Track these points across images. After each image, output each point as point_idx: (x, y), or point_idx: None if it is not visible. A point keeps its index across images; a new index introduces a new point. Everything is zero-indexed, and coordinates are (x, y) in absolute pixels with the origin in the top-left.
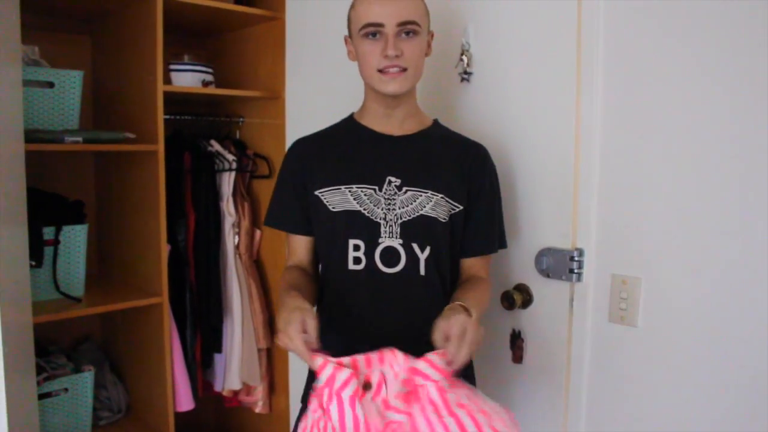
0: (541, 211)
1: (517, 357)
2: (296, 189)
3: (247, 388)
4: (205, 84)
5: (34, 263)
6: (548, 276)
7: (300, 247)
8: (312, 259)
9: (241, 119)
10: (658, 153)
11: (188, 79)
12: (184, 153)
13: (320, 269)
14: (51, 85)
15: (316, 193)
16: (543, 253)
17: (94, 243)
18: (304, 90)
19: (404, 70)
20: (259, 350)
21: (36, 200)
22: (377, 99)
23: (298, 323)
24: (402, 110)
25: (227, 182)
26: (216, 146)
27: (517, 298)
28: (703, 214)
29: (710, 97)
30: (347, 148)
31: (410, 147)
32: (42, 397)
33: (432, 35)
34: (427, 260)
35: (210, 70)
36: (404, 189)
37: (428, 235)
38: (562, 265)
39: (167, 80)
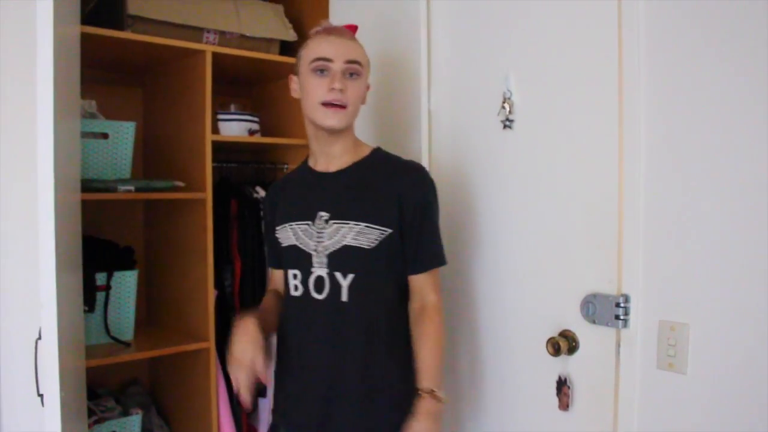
0: (586, 256)
1: (564, 404)
2: (269, 228)
3: None
4: (251, 132)
5: (86, 308)
6: (594, 322)
7: (277, 277)
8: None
9: (286, 166)
10: (705, 196)
11: (235, 128)
12: (230, 200)
13: None
14: (105, 136)
15: (276, 229)
16: (588, 299)
17: (142, 288)
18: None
19: (344, 107)
20: None
21: (89, 247)
22: (317, 137)
23: (249, 359)
24: (338, 147)
25: None
26: (261, 193)
27: (563, 344)
28: (753, 257)
29: (761, 134)
30: (296, 189)
31: (342, 181)
32: None
33: (368, 87)
34: (350, 287)
35: (256, 118)
36: (331, 222)
37: (352, 264)
38: (608, 311)
39: (215, 129)
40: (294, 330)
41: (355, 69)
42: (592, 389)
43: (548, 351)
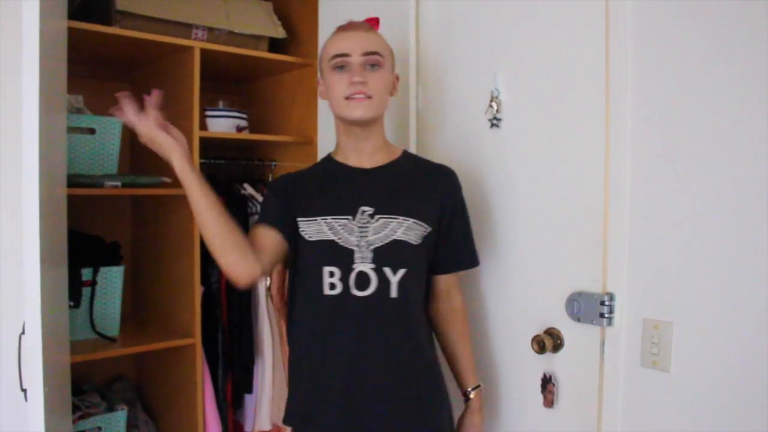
0: (572, 255)
1: (549, 401)
2: (282, 201)
3: (277, 429)
4: (239, 129)
5: (72, 304)
6: (579, 320)
7: (262, 234)
8: (263, 249)
9: (274, 163)
10: (689, 196)
11: (223, 124)
12: (218, 196)
13: (296, 298)
14: (92, 131)
15: (297, 220)
16: (573, 298)
17: (129, 284)
18: (335, 135)
19: (369, 97)
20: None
21: (75, 242)
22: (347, 132)
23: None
24: (371, 143)
25: None
26: (249, 190)
27: (548, 342)
28: (737, 257)
29: (744, 136)
30: (323, 183)
31: (381, 177)
32: None
33: (397, 78)
34: (399, 283)
35: (244, 115)
36: (377, 217)
37: (401, 259)
38: (592, 309)
39: (203, 126)
40: (329, 331)
41: (374, 60)
42: (576, 387)
43: (533, 348)
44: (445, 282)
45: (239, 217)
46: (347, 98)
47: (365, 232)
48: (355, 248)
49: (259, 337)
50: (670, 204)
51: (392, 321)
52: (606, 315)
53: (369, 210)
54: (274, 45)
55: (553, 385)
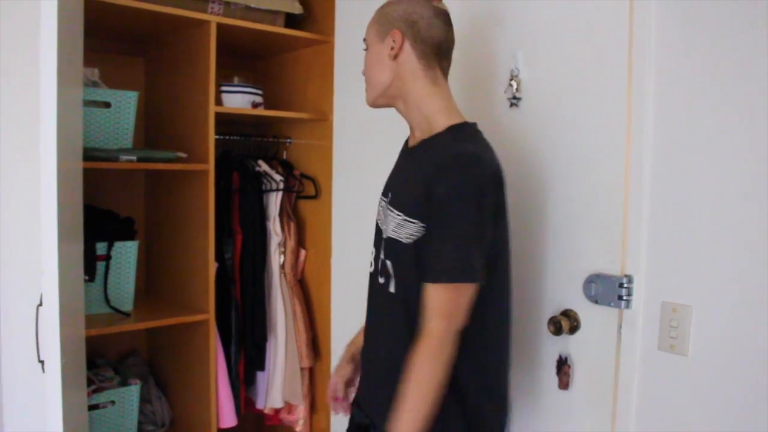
0: (590, 236)
1: (564, 383)
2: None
3: (289, 407)
4: (255, 105)
5: (87, 278)
6: (596, 302)
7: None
8: None
9: (289, 140)
10: (709, 178)
11: (238, 100)
12: (232, 173)
13: None
14: (107, 105)
15: None
16: (591, 279)
17: (142, 259)
18: (351, 112)
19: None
20: (301, 369)
21: (90, 216)
22: None
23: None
24: (409, 119)
25: (274, 202)
26: (264, 166)
27: (565, 323)
28: (756, 240)
29: (764, 121)
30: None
31: (407, 161)
32: (90, 408)
33: (394, 36)
34: (397, 278)
35: (259, 91)
36: (387, 207)
37: (393, 256)
38: (610, 291)
39: (218, 101)
40: (367, 310)
41: (365, 47)
42: (592, 369)
43: (549, 330)
44: (424, 294)
45: (253, 193)
46: None
47: (385, 222)
48: (383, 233)
49: (273, 315)
50: (690, 186)
51: (391, 316)
52: (624, 297)
53: (389, 197)
54: (291, 21)
55: (569, 366)
